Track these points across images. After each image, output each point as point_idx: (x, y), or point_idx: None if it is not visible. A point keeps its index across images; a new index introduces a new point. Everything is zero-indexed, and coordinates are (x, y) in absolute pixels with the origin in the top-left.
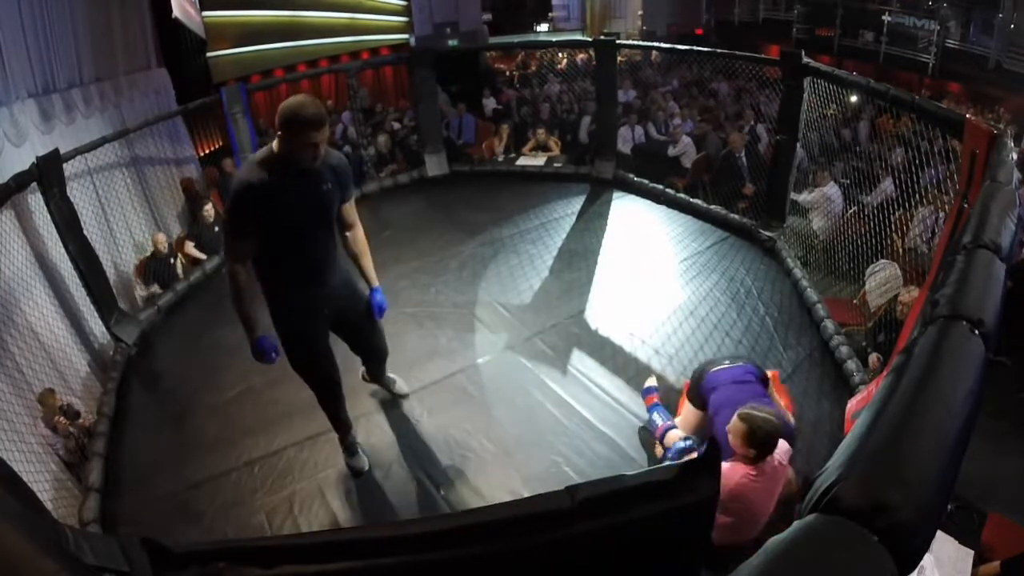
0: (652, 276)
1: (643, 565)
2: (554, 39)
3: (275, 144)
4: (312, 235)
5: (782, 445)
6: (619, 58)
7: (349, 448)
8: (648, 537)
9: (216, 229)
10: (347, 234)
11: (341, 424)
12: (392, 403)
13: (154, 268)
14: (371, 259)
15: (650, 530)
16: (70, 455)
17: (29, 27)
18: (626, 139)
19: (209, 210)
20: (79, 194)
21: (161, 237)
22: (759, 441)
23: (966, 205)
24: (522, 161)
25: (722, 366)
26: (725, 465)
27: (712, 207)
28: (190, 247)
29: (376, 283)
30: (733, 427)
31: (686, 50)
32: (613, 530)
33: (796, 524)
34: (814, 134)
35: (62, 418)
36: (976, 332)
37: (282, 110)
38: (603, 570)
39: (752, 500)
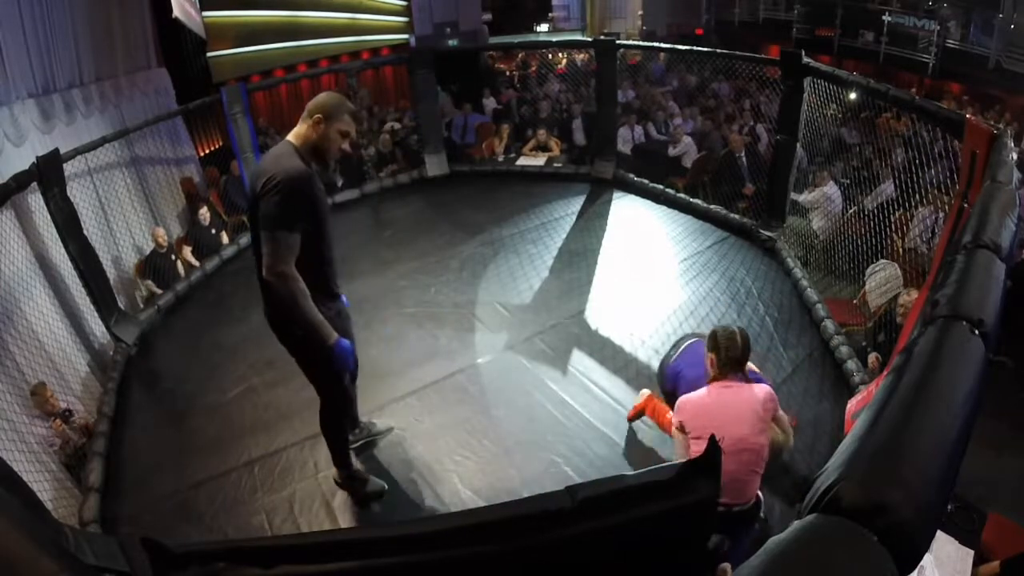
0: (652, 276)
1: (643, 565)
2: (554, 39)
3: (299, 138)
4: (331, 237)
5: (764, 387)
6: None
7: (358, 476)
8: (648, 537)
9: (213, 232)
10: None
11: (346, 447)
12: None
13: (153, 263)
14: None
15: (650, 530)
16: (68, 457)
17: (29, 27)
18: (626, 139)
19: (204, 213)
20: (79, 194)
21: (160, 231)
22: (718, 344)
23: (966, 205)
24: (522, 161)
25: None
26: (681, 403)
27: (712, 207)
28: (187, 252)
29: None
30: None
31: (686, 50)
32: (613, 530)
33: (796, 524)
34: (814, 134)
35: (59, 421)
36: (976, 332)
37: (321, 97)
38: (603, 570)
39: (713, 414)
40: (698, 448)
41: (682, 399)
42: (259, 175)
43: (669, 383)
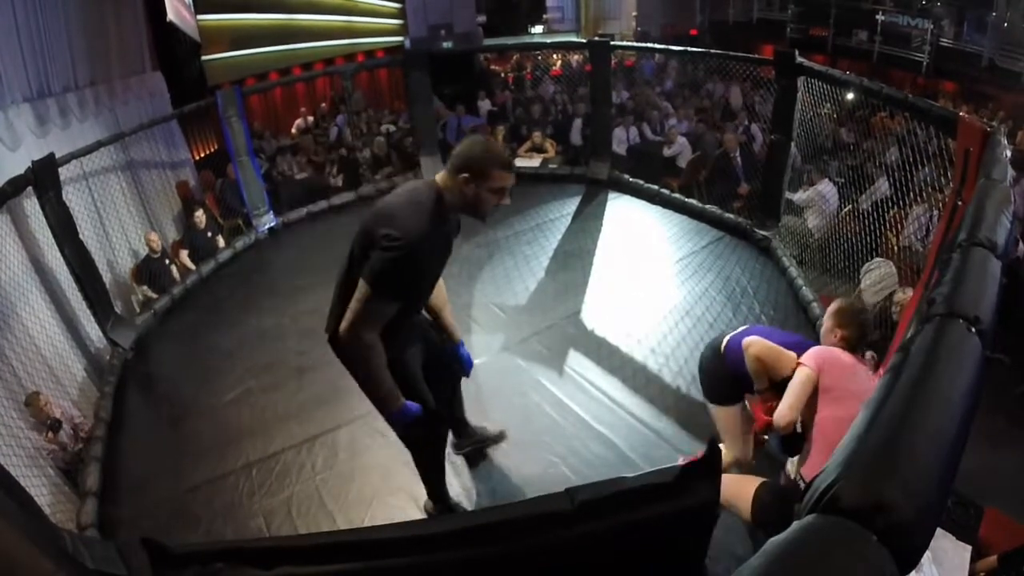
0: (648, 276)
1: (643, 567)
2: (548, 41)
3: (446, 189)
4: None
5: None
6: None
7: (456, 511)
8: (648, 539)
9: (209, 235)
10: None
11: (442, 479)
12: None
13: (148, 268)
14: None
15: (650, 532)
16: (65, 463)
17: (24, 31)
18: (621, 140)
19: (200, 216)
20: (75, 198)
21: (154, 236)
22: (851, 319)
23: (960, 203)
24: (517, 163)
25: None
26: (822, 348)
27: (707, 207)
28: (184, 256)
29: (459, 337)
30: (827, 313)
31: (680, 51)
32: (613, 532)
33: (796, 524)
34: (808, 133)
35: (49, 433)
36: (973, 330)
37: (473, 150)
38: (603, 573)
39: (858, 380)
40: (833, 412)
41: (824, 351)
42: (386, 216)
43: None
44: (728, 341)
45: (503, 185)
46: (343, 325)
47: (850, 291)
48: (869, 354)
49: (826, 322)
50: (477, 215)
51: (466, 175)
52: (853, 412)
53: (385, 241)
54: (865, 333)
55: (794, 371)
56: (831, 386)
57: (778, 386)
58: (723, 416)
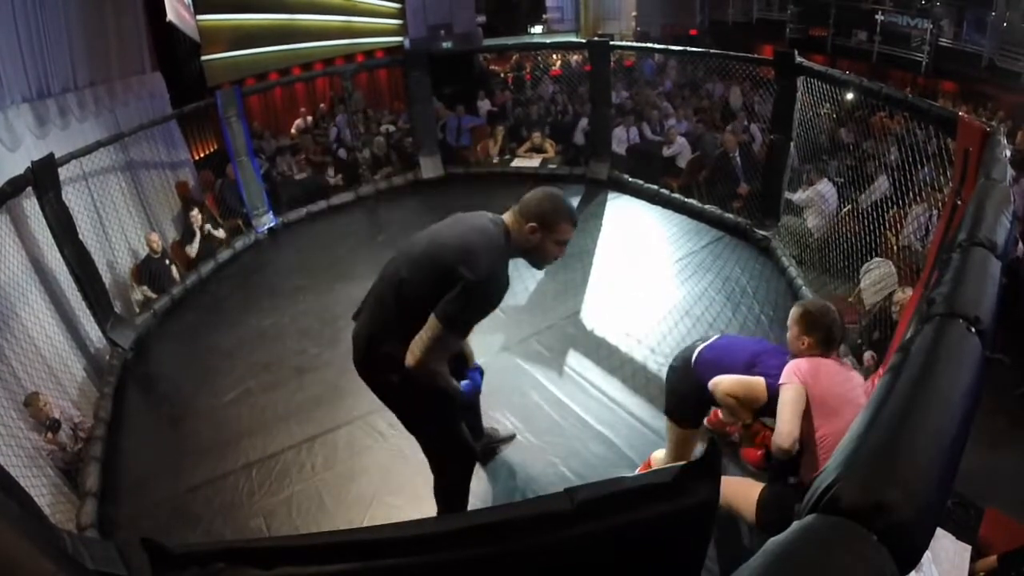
0: (647, 276)
1: (643, 568)
2: (548, 41)
3: (512, 230)
4: None
5: (857, 374)
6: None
7: None
8: (648, 540)
9: (208, 228)
10: None
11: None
12: None
13: (148, 268)
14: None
15: (650, 533)
16: (65, 463)
17: (23, 31)
18: (621, 140)
19: (196, 215)
20: (74, 198)
21: (154, 236)
22: (816, 323)
23: (959, 202)
24: (517, 163)
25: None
26: (801, 365)
27: (707, 207)
28: (191, 250)
29: (475, 362)
30: (791, 318)
31: (680, 51)
32: (613, 532)
33: (796, 524)
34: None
35: (49, 433)
36: (973, 330)
37: (546, 204)
38: (603, 572)
39: (845, 384)
40: (834, 426)
41: (802, 364)
42: (464, 252)
43: (702, 368)
44: (697, 356)
45: (567, 239)
46: (413, 358)
47: (850, 291)
48: (869, 354)
49: (791, 328)
50: (536, 262)
51: (535, 224)
52: (851, 418)
53: (467, 282)
54: (832, 335)
55: (770, 394)
56: (823, 397)
57: (760, 413)
58: (677, 435)
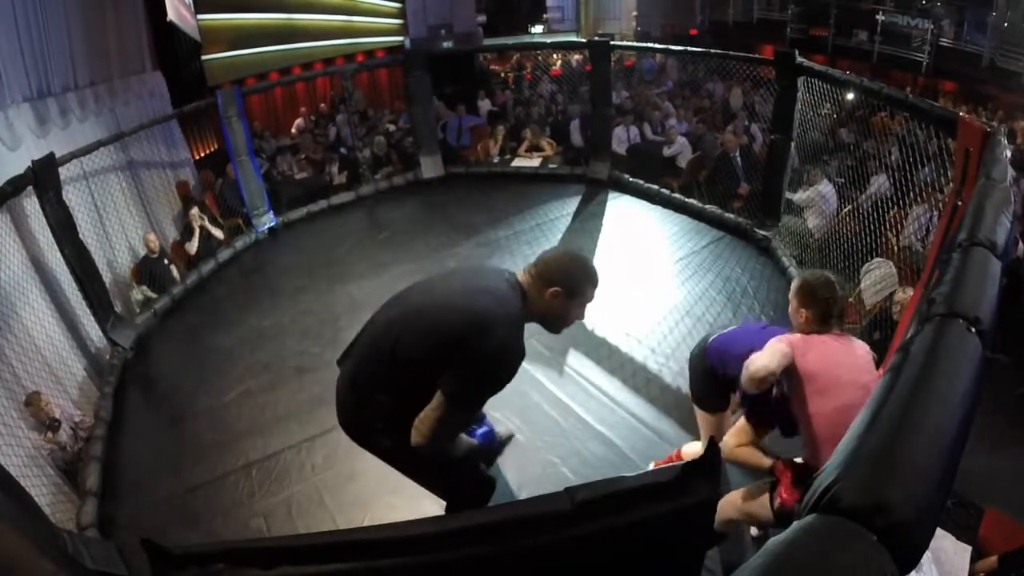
0: (648, 276)
1: (643, 566)
2: (548, 41)
3: (529, 294)
4: None
5: (863, 346)
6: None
7: None
8: (648, 538)
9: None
10: None
11: None
12: None
13: (147, 269)
14: None
15: (650, 531)
16: (65, 462)
17: (24, 31)
18: (621, 139)
19: (194, 212)
20: (74, 198)
21: (152, 236)
22: (812, 295)
23: (960, 203)
24: (517, 162)
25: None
26: (794, 336)
27: (707, 207)
28: (191, 248)
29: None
30: (790, 292)
31: (680, 51)
32: (613, 531)
33: (796, 524)
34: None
35: (49, 433)
36: (973, 330)
37: (567, 268)
38: (603, 571)
39: (840, 360)
40: (823, 406)
41: (795, 337)
42: (477, 325)
43: (715, 364)
44: (709, 345)
45: (590, 301)
46: (421, 436)
47: (850, 291)
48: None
49: (791, 301)
50: (554, 327)
51: (558, 289)
52: (847, 399)
53: (479, 357)
54: (830, 308)
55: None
56: (812, 373)
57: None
58: (705, 421)
